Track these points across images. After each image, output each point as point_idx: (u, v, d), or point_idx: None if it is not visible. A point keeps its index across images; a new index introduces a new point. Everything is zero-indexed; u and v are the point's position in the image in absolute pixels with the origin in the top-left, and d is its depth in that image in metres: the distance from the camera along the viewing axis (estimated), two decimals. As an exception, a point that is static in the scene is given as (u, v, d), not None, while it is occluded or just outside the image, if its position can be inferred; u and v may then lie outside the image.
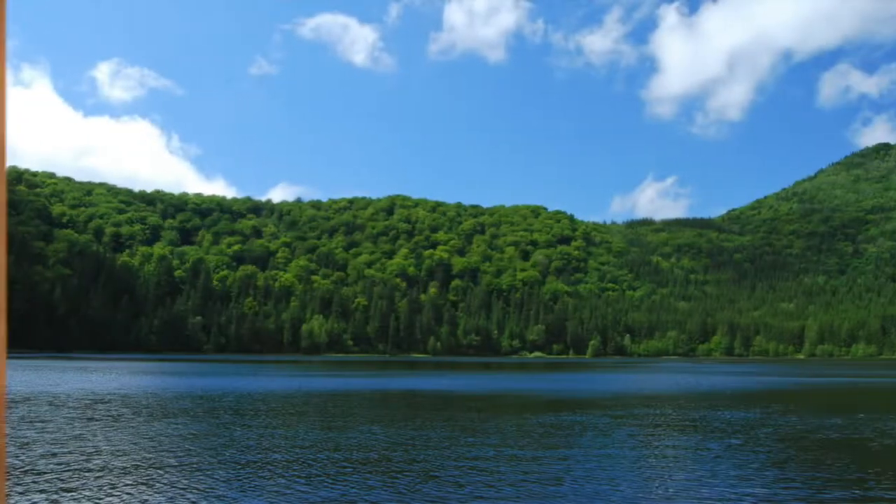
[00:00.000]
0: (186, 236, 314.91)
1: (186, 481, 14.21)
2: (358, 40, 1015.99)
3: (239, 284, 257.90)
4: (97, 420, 24.73)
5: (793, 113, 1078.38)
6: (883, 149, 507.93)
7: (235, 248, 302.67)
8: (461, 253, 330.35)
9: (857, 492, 12.24)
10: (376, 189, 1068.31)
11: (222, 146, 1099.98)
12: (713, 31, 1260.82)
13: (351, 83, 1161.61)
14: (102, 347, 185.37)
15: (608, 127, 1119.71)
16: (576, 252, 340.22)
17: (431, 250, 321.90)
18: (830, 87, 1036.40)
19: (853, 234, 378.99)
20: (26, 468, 15.56)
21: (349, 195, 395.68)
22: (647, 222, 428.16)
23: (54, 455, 17.20)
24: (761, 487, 12.52)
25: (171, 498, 12.96)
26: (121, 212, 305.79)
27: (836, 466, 14.66)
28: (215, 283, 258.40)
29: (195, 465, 15.94)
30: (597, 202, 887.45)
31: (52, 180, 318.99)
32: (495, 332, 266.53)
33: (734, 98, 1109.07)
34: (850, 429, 21.23)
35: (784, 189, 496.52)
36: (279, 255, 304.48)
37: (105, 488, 13.72)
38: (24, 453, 17.43)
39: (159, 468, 15.67)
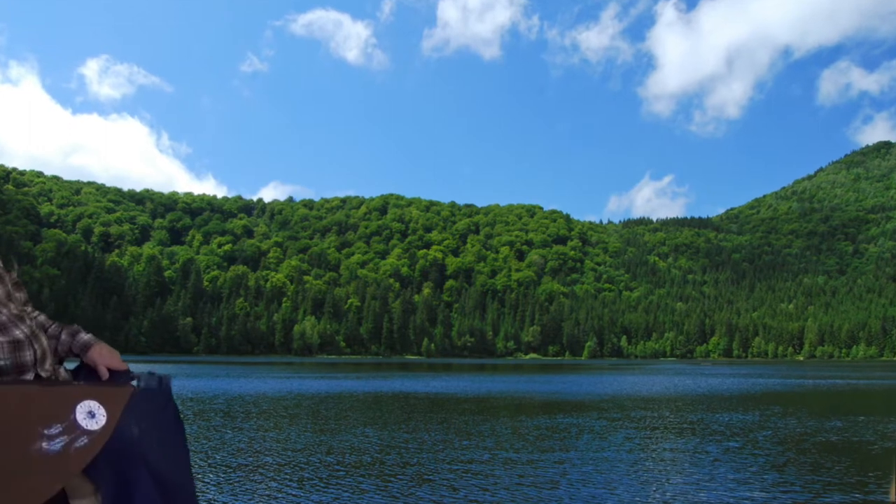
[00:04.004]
0: (176, 236, 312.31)
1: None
2: (351, 37, 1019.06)
3: (230, 285, 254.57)
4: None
5: (792, 111, 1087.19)
6: (884, 147, 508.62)
7: (226, 247, 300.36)
8: (455, 253, 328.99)
9: (857, 495, 11.85)
10: (369, 188, 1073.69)
11: (212, 144, 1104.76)
12: (711, 27, 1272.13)
13: (343, 80, 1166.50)
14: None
15: (604, 125, 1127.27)
16: (572, 252, 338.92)
17: (425, 250, 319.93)
18: (830, 84, 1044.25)
19: (853, 233, 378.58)
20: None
21: (341, 194, 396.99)
22: (643, 222, 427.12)
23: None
24: (760, 491, 12.18)
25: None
26: (110, 211, 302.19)
27: (836, 470, 14.37)
28: (206, 283, 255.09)
29: (184, 469, 12.63)
30: (593, 201, 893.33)
31: (40, 179, 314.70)
32: (490, 333, 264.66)
33: (732, 96, 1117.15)
34: (851, 431, 21.00)
35: (783, 188, 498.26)
36: (270, 255, 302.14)
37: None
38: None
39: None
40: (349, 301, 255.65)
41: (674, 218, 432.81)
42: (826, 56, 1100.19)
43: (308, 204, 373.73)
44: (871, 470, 14.52)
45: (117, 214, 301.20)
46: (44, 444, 1.83)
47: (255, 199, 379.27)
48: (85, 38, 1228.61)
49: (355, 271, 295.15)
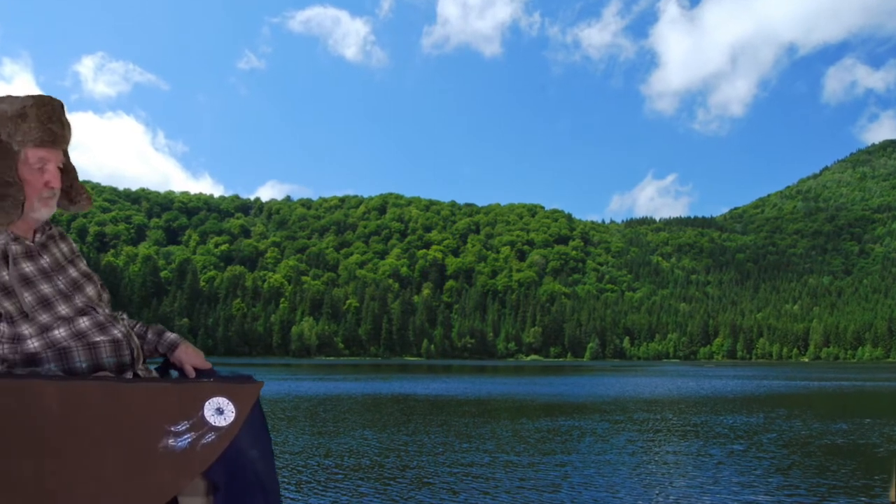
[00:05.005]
0: (172, 236, 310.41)
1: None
2: (349, 34, 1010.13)
3: (227, 285, 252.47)
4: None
5: (797, 108, 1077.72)
6: (890, 146, 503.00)
7: (223, 247, 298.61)
8: (455, 253, 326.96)
9: (863, 499, 11.47)
10: (368, 187, 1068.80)
11: (209, 143, 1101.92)
12: (715, 24, 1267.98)
13: (342, 78, 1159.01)
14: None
15: (607, 123, 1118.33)
16: (573, 252, 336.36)
17: (425, 250, 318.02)
18: (836, 81, 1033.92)
19: (859, 233, 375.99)
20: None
21: (340, 193, 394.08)
22: (646, 221, 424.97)
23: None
24: (765, 494, 11.83)
25: None
26: (105, 210, 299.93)
27: (842, 473, 14.06)
28: (202, 283, 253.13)
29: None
30: (595, 201, 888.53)
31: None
32: (491, 334, 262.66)
33: (736, 93, 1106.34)
34: (857, 434, 20.43)
35: (788, 187, 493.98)
36: (268, 255, 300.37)
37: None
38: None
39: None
40: (348, 302, 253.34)
41: (677, 217, 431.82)
42: (831, 53, 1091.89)
43: (306, 203, 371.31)
44: (877, 473, 14.28)
45: (112, 214, 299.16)
46: (170, 441, 1.87)
47: (252, 198, 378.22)
48: (80, 36, 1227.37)
49: (354, 271, 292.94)
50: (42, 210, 2.10)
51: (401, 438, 19.11)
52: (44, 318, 2.07)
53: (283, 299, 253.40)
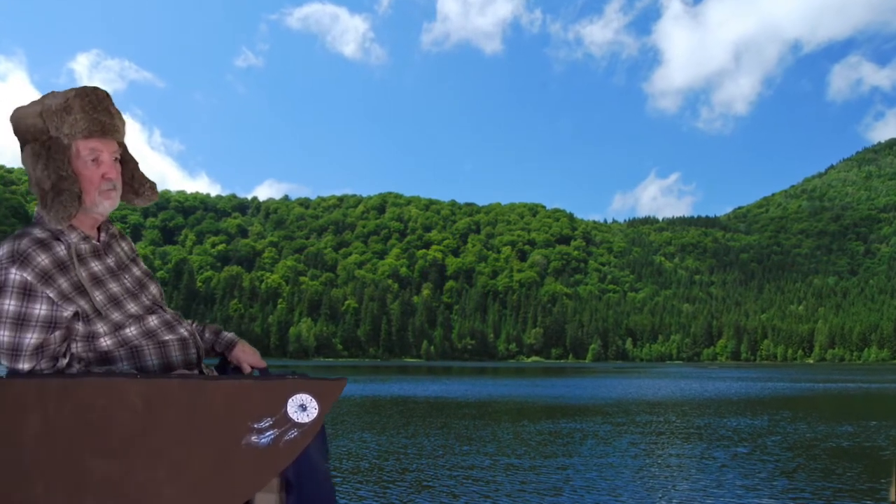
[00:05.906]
0: (169, 235, 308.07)
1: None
2: (348, 31, 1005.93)
3: (224, 286, 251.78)
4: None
5: (802, 107, 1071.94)
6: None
7: (220, 247, 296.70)
8: (456, 253, 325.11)
9: (868, 502, 11.21)
10: (367, 186, 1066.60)
11: (206, 141, 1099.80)
12: (718, 21, 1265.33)
13: (341, 75, 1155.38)
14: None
15: (609, 121, 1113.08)
16: (575, 252, 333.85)
17: (424, 250, 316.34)
18: (841, 79, 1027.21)
19: (865, 233, 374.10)
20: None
21: (339, 193, 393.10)
22: (649, 221, 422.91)
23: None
24: (769, 498, 11.56)
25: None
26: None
27: (848, 476, 13.46)
28: (199, 284, 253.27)
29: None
30: (597, 200, 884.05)
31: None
32: (491, 335, 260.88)
33: (740, 91, 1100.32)
34: (862, 436, 19.86)
35: (793, 186, 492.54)
36: (266, 255, 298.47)
37: None
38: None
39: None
40: (346, 302, 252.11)
41: (680, 217, 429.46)
42: (837, 50, 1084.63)
43: (304, 203, 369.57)
44: (883, 476, 13.85)
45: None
46: (253, 438, 1.89)
47: (249, 197, 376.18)
48: (75, 33, 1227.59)
49: (353, 272, 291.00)
50: (104, 203, 2.14)
51: (400, 441, 18.82)
52: (115, 316, 2.12)
53: (280, 300, 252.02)
